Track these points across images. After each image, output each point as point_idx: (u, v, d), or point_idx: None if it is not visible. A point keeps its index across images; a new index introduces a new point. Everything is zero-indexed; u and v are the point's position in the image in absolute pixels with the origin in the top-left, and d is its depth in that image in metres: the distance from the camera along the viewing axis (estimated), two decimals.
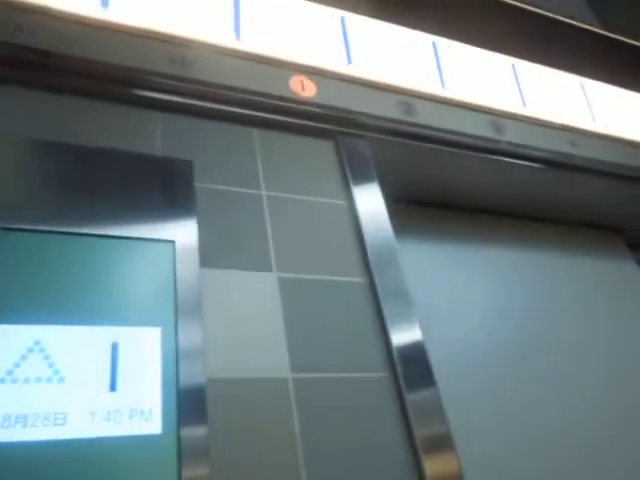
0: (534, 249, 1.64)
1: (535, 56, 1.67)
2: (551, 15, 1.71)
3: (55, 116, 0.98)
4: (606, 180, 1.61)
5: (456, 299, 1.39)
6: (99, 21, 1.08)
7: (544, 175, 1.53)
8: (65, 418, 0.70)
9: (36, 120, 0.96)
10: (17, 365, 0.71)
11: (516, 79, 1.62)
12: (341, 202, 1.12)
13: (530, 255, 1.62)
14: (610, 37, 1.90)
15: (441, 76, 1.46)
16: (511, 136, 1.45)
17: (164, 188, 0.96)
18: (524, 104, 1.57)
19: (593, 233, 1.78)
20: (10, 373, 0.71)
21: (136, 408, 0.74)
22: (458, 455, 0.91)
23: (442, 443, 0.92)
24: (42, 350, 0.74)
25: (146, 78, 1.07)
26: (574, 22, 1.78)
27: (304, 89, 1.21)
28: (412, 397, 0.94)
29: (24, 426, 0.68)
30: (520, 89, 1.60)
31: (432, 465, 0.88)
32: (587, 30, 1.81)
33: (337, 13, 1.39)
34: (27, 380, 0.71)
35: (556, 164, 1.52)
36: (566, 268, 1.65)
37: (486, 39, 1.60)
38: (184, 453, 0.72)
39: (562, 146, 1.54)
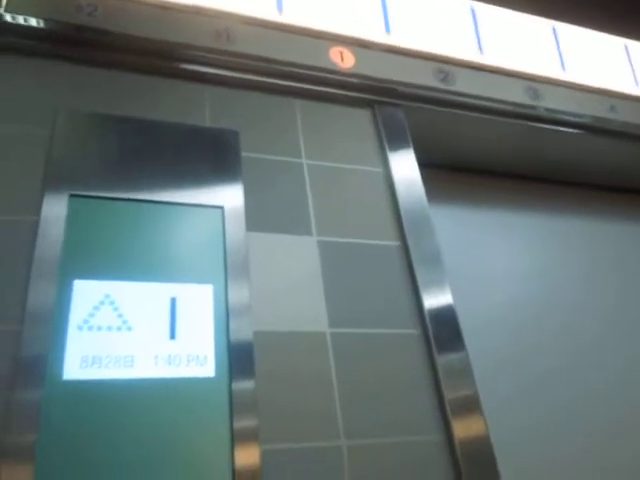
0: (572, 215, 1.65)
1: (577, 18, 1.65)
2: None
3: (112, 91, 1.07)
4: None
5: (487, 264, 1.43)
6: None
7: (582, 141, 1.53)
8: (133, 361, 0.81)
9: (96, 95, 1.05)
10: (92, 315, 0.83)
11: (557, 43, 1.62)
12: (377, 169, 1.19)
13: (569, 221, 1.63)
14: None
15: (479, 42, 1.48)
16: (549, 102, 1.46)
17: (213, 158, 1.04)
18: (564, 68, 1.57)
19: (633, 199, 1.78)
20: (86, 322, 0.82)
21: (192, 354, 0.84)
22: (485, 418, 0.96)
23: (470, 405, 0.97)
24: (112, 302, 0.85)
25: (195, 53, 1.14)
26: None
27: (343, 60, 1.26)
28: (442, 358, 0.99)
29: (99, 367, 0.80)
30: (560, 53, 1.60)
31: (460, 426, 0.94)
32: None
33: None
34: (100, 328, 0.82)
35: (595, 129, 1.52)
36: (604, 233, 1.66)
37: (526, 2, 1.59)
38: (234, 393, 0.83)
39: (601, 111, 1.53)
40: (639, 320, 1.53)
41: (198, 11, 1.18)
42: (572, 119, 1.49)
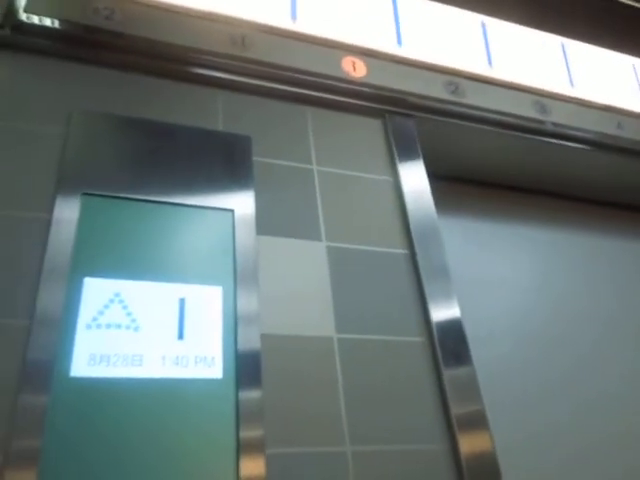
0: (577, 230, 1.66)
1: (586, 36, 1.67)
2: None
3: (127, 93, 1.08)
4: None
5: (494, 276, 1.44)
6: (167, 4, 1.17)
7: (589, 156, 1.54)
8: (141, 360, 0.81)
9: (111, 97, 1.06)
10: (101, 313, 0.83)
11: (565, 59, 1.63)
12: (387, 178, 1.19)
13: (572, 236, 1.64)
14: None
15: (489, 56, 1.49)
16: (556, 117, 1.47)
17: (225, 161, 1.05)
18: (572, 84, 1.58)
19: (637, 216, 1.78)
20: (95, 320, 0.82)
21: (200, 355, 0.84)
22: (492, 434, 0.95)
23: (477, 420, 0.96)
24: (121, 301, 0.85)
25: (209, 58, 1.15)
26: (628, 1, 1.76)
27: (355, 69, 1.27)
28: (448, 369, 0.99)
29: (107, 365, 0.79)
30: (569, 69, 1.61)
31: (466, 439, 0.93)
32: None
33: None
34: (109, 326, 0.82)
35: (601, 146, 1.53)
36: (609, 250, 1.67)
37: (536, 19, 1.61)
38: (241, 395, 0.83)
39: (608, 127, 1.54)
40: None
41: (214, 17, 1.19)
42: (579, 134, 1.50)
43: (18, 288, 0.81)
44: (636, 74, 1.72)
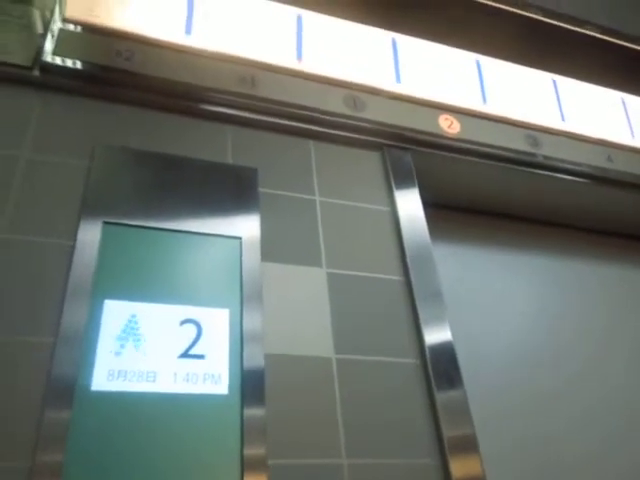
0: (567, 257, 1.72)
1: (576, 73, 1.76)
2: (594, 34, 1.80)
3: (145, 129, 1.17)
4: None
5: (486, 302, 1.50)
6: (182, 46, 1.27)
7: (579, 188, 1.61)
8: (155, 376, 0.89)
9: (130, 132, 1.15)
10: (120, 331, 0.91)
11: (556, 94, 1.72)
12: (385, 208, 1.27)
13: (563, 262, 1.70)
14: None
15: (483, 92, 1.58)
16: (548, 150, 1.55)
17: (233, 192, 1.14)
18: (563, 119, 1.67)
19: (627, 244, 1.85)
20: (114, 338, 0.90)
21: (208, 372, 0.92)
22: (482, 459, 1.00)
23: (467, 444, 1.01)
24: (137, 322, 0.93)
25: (220, 96, 1.24)
26: (619, 41, 1.85)
27: (356, 105, 1.36)
28: (440, 391, 1.05)
29: (124, 380, 0.87)
30: (560, 104, 1.70)
31: (457, 465, 0.98)
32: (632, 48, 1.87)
33: (388, 35, 1.53)
34: (126, 344, 0.90)
35: (592, 178, 1.60)
36: (598, 275, 1.73)
37: (528, 57, 1.70)
38: (245, 409, 0.90)
39: (598, 160, 1.62)
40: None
41: (225, 58, 1.29)
42: (570, 167, 1.57)
43: (44, 308, 0.90)
44: (625, 108, 1.81)
